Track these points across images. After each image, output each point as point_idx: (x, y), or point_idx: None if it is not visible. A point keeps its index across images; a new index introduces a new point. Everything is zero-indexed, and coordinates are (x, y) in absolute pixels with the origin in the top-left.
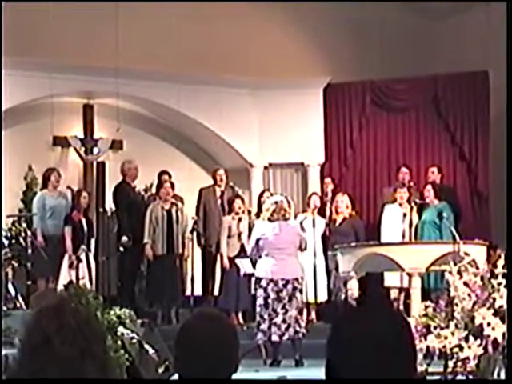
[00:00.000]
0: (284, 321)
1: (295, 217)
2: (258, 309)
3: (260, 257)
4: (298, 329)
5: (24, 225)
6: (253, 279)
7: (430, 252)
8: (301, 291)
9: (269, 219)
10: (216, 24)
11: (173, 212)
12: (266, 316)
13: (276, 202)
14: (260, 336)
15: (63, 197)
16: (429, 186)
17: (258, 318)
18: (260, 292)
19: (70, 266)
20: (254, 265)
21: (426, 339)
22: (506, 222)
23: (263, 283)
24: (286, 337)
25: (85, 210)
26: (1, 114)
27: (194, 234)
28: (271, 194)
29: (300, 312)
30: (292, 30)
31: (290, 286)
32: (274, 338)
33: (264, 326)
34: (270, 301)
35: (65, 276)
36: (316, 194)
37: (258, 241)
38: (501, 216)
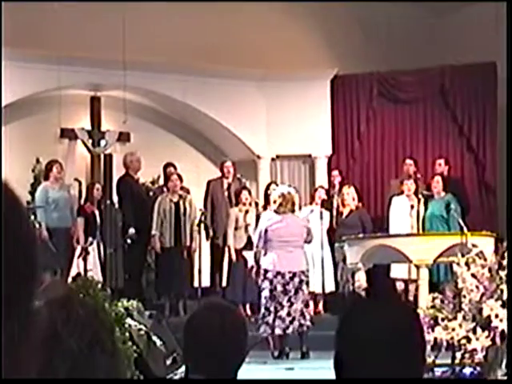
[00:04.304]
0: (289, 314)
1: (299, 208)
2: (263, 301)
3: (266, 249)
4: (302, 322)
5: (32, 217)
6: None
7: (437, 244)
8: (307, 284)
9: (275, 211)
10: (223, 16)
11: (181, 204)
12: (271, 308)
13: (283, 195)
14: (264, 328)
15: (66, 189)
16: (438, 177)
17: (263, 310)
18: (266, 284)
19: (79, 257)
20: (256, 257)
21: (433, 331)
22: (505, 214)
23: (269, 275)
24: (289, 330)
25: (98, 202)
26: (0, 109)
27: (202, 226)
28: (277, 186)
29: (306, 305)
30: (299, 22)
31: (296, 279)
32: (278, 331)
33: (269, 319)
34: (275, 293)
35: (77, 268)
36: (322, 187)
37: (265, 231)
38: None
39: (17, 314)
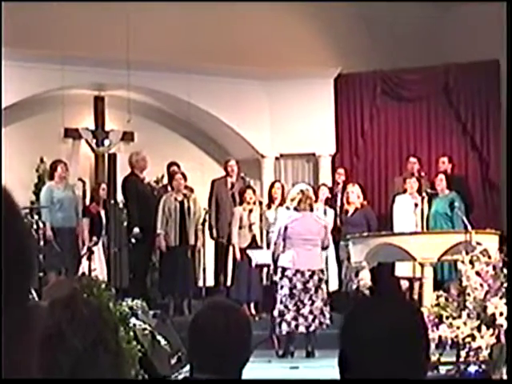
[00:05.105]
0: (311, 312)
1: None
2: (282, 299)
3: (285, 246)
4: (322, 320)
5: (36, 217)
6: (265, 270)
7: (441, 242)
8: (326, 282)
9: (295, 209)
10: (227, 15)
11: (185, 203)
12: (290, 306)
13: (302, 191)
14: (284, 327)
15: (70, 189)
16: (441, 176)
17: (281, 307)
18: (285, 282)
19: (83, 256)
20: (273, 254)
21: (438, 329)
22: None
23: (289, 273)
24: (312, 328)
25: (103, 202)
26: (1, 111)
27: (206, 225)
28: (282, 186)
29: (325, 303)
30: (303, 20)
31: (316, 277)
32: (301, 329)
33: (288, 316)
34: (295, 291)
35: (82, 268)
36: (325, 185)
37: (285, 229)
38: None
39: (10, 314)
